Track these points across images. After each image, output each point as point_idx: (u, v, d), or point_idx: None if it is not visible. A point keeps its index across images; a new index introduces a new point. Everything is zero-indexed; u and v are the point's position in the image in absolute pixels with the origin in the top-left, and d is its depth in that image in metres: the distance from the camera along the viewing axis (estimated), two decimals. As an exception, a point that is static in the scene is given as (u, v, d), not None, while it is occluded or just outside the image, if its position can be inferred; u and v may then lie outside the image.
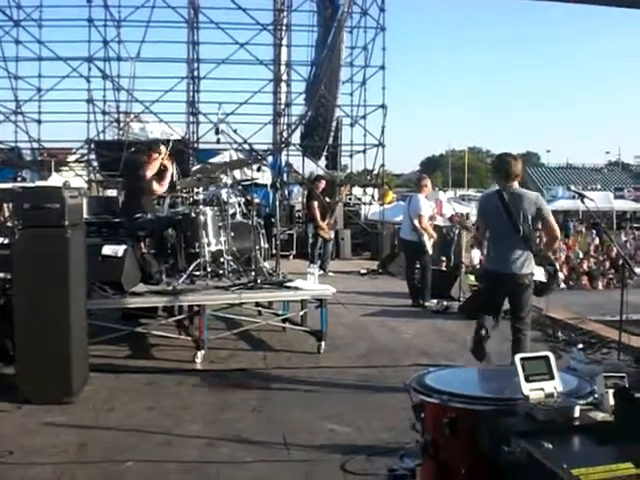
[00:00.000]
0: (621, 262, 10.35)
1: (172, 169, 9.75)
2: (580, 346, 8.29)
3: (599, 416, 2.73)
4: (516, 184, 6.58)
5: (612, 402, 2.72)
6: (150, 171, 9.21)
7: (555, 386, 2.81)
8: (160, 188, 9.58)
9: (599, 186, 62.84)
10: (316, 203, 15.25)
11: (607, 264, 19.36)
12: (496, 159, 7.13)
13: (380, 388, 6.85)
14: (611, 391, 2.77)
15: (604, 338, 8.81)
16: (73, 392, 6.27)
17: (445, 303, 11.28)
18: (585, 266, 18.66)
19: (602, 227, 18.94)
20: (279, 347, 8.70)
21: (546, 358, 2.90)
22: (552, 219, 6.65)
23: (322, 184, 16.09)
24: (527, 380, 2.78)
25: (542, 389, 2.78)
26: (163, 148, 9.56)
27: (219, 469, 4.90)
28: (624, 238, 30.70)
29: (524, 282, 6.46)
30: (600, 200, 35.98)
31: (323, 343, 8.35)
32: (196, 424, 5.82)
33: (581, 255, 22.19)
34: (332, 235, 16.05)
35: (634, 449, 2.37)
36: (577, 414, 2.69)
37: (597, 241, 28.79)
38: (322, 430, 5.66)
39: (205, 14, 24.85)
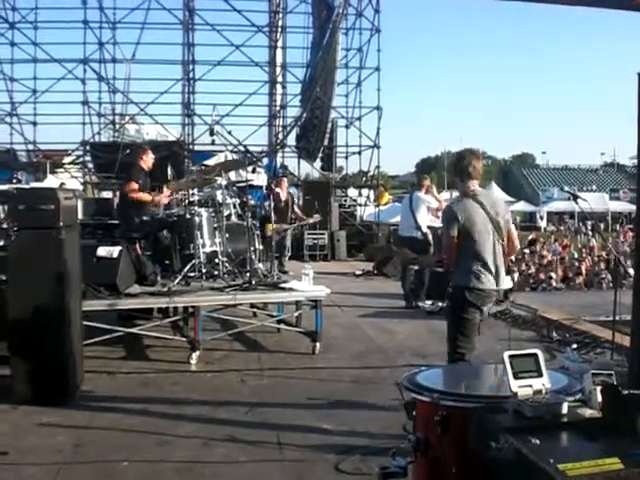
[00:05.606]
0: (614, 263, 10.37)
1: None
2: (574, 346, 8.39)
3: (587, 412, 2.75)
4: (478, 184, 5.87)
5: (600, 399, 2.74)
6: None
7: (543, 383, 2.83)
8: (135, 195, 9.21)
9: (595, 187, 63.08)
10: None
11: (602, 265, 19.39)
12: (455, 156, 6.13)
13: (374, 388, 6.87)
14: (599, 388, 2.79)
15: (598, 338, 8.83)
16: (68, 393, 6.29)
17: (440, 304, 11.27)
18: (584, 268, 18.67)
19: (597, 227, 18.98)
20: (274, 348, 8.72)
21: (535, 355, 2.92)
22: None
23: (282, 184, 16.45)
24: (515, 377, 2.80)
25: (530, 386, 2.80)
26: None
27: (214, 469, 4.92)
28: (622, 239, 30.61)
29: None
30: (596, 201, 36.17)
31: (318, 344, 8.37)
32: (191, 424, 5.83)
33: (576, 255, 22.22)
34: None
35: (621, 444, 2.39)
36: (565, 411, 2.71)
37: (593, 242, 28.80)
38: (316, 430, 5.68)
39: (200, 16, 24.99)
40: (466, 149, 5.99)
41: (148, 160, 9.45)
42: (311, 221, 16.91)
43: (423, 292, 11.75)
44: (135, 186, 9.05)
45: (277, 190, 15.76)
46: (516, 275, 6.02)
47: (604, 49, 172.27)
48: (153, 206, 9.37)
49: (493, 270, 5.61)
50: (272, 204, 13.67)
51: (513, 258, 6.00)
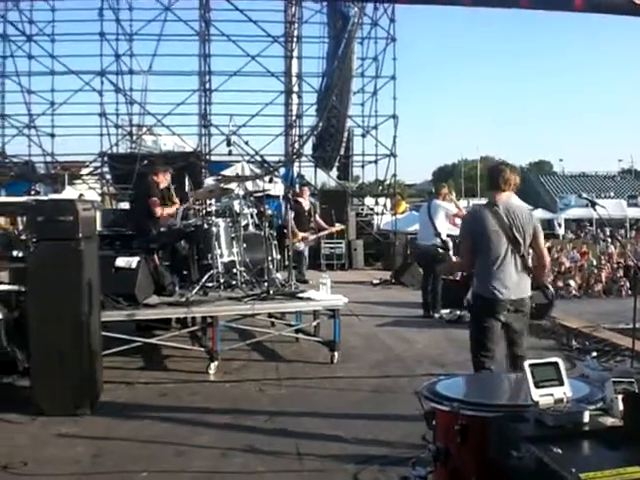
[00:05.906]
0: (633, 270, 10.29)
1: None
2: (594, 354, 8.31)
3: (609, 421, 2.73)
4: (506, 196, 5.75)
5: (622, 407, 2.71)
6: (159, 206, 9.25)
7: (565, 392, 2.81)
8: (159, 211, 9.31)
9: (612, 194, 62.64)
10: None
11: (621, 272, 19.22)
12: (489, 169, 6.13)
13: (393, 398, 6.84)
14: (620, 396, 2.76)
15: (618, 346, 8.77)
16: (87, 403, 6.30)
17: (458, 313, 11.23)
18: (603, 276, 18.48)
19: (614, 234, 18.85)
20: (292, 358, 8.71)
21: (555, 364, 2.90)
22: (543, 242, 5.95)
23: (304, 194, 16.26)
24: (537, 386, 2.78)
25: (552, 395, 2.78)
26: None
27: (232, 479, 4.91)
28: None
29: (529, 306, 5.73)
30: (613, 208, 35.87)
31: (336, 353, 8.35)
32: (209, 434, 5.84)
33: (595, 263, 22.03)
34: (300, 246, 14.94)
35: (643, 453, 2.37)
36: (587, 419, 2.69)
37: (612, 249, 28.51)
38: (335, 440, 5.65)
39: (216, 27, 25.14)
40: (501, 162, 5.99)
41: (164, 180, 9.49)
42: (334, 230, 16.89)
43: (438, 302, 11.72)
44: (158, 202, 9.14)
45: (300, 200, 15.66)
46: (550, 292, 5.90)
47: (613, 51, 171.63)
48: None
49: (505, 280, 5.56)
50: (292, 214, 13.60)
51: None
